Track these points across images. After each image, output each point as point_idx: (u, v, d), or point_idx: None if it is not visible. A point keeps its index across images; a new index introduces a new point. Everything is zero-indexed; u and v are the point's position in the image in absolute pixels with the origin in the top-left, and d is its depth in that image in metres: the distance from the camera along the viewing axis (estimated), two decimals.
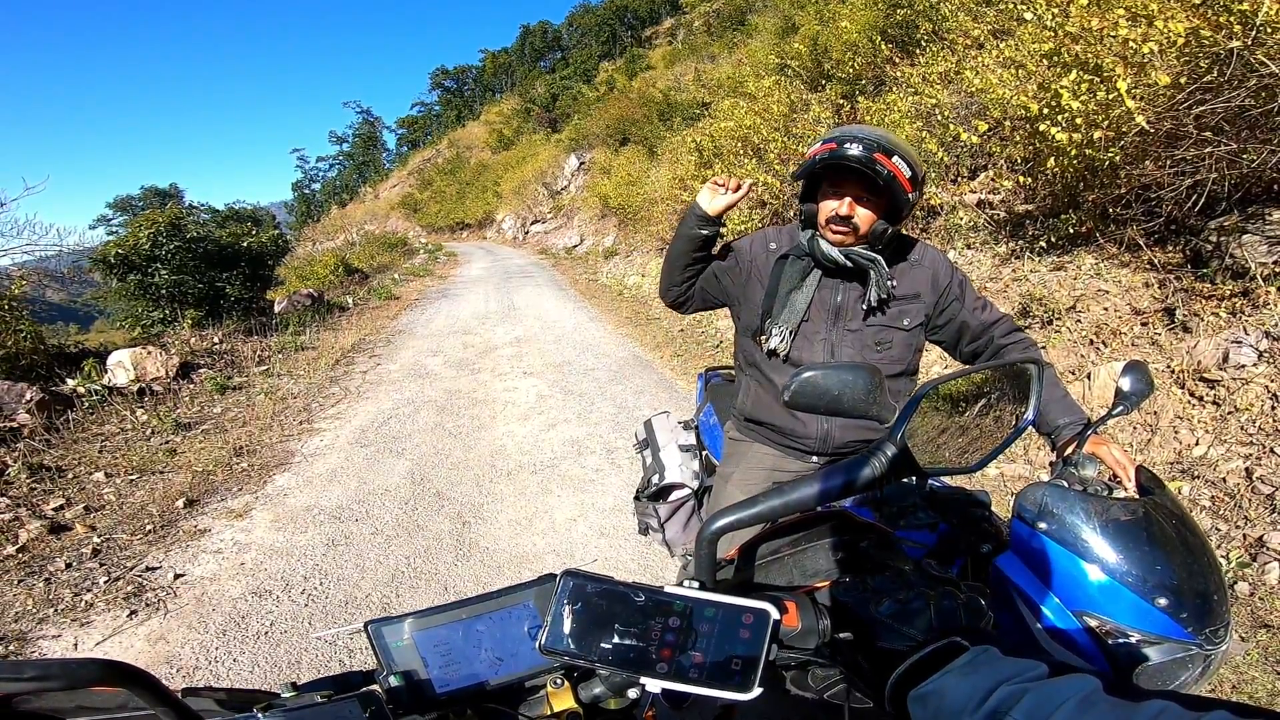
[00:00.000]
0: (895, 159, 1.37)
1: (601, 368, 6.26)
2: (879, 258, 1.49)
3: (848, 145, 1.37)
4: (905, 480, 1.06)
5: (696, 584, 0.65)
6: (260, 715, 0.55)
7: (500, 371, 6.32)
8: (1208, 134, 3.44)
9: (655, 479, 2.09)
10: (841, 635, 0.68)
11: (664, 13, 48.59)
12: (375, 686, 0.66)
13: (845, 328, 1.55)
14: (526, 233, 25.29)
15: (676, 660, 0.57)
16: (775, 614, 0.59)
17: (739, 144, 8.93)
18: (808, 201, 1.53)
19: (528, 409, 5.13)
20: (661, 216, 11.76)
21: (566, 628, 0.58)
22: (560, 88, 38.66)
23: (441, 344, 7.78)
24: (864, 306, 1.52)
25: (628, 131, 19.59)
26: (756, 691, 0.56)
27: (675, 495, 2.07)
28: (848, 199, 1.43)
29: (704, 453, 2.10)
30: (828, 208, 1.46)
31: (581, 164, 24.24)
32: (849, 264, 1.49)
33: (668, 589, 0.60)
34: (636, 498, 2.14)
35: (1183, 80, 3.41)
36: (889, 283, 1.50)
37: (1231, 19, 3.03)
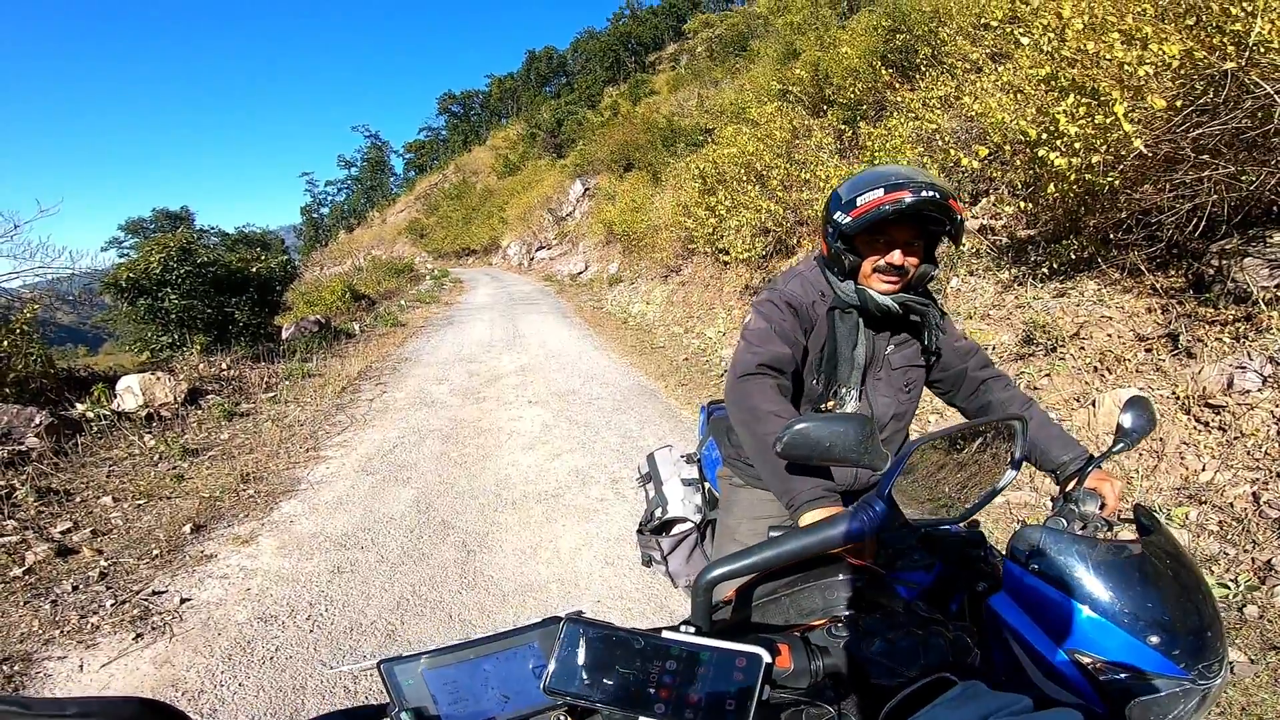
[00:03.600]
0: (957, 202, 1.34)
1: (606, 396, 6.28)
2: (930, 303, 1.46)
3: (922, 192, 1.29)
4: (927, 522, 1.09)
5: (693, 629, 0.69)
6: None
7: (505, 400, 6.34)
8: (1206, 156, 3.46)
9: (658, 513, 2.09)
10: (833, 674, 0.70)
11: (667, 38, 49.57)
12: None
13: (874, 376, 1.53)
14: (532, 259, 25.49)
15: (674, 701, 0.60)
16: (767, 657, 0.62)
17: (742, 170, 9.02)
18: (849, 251, 1.42)
19: (533, 438, 5.14)
20: (665, 243, 11.85)
21: (570, 670, 0.62)
22: (565, 113, 39.23)
23: (447, 372, 7.82)
24: (921, 352, 1.51)
25: (632, 157, 19.83)
26: None
27: (678, 529, 2.07)
28: (898, 248, 1.37)
29: (706, 486, 2.10)
30: (875, 257, 1.39)
31: (586, 189, 24.48)
32: (900, 312, 1.44)
33: (665, 634, 0.64)
34: (640, 531, 2.14)
35: (1179, 103, 3.44)
36: (940, 322, 1.48)
37: (1225, 40, 3.06)
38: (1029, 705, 0.54)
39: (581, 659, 0.62)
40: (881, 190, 1.32)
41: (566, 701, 0.64)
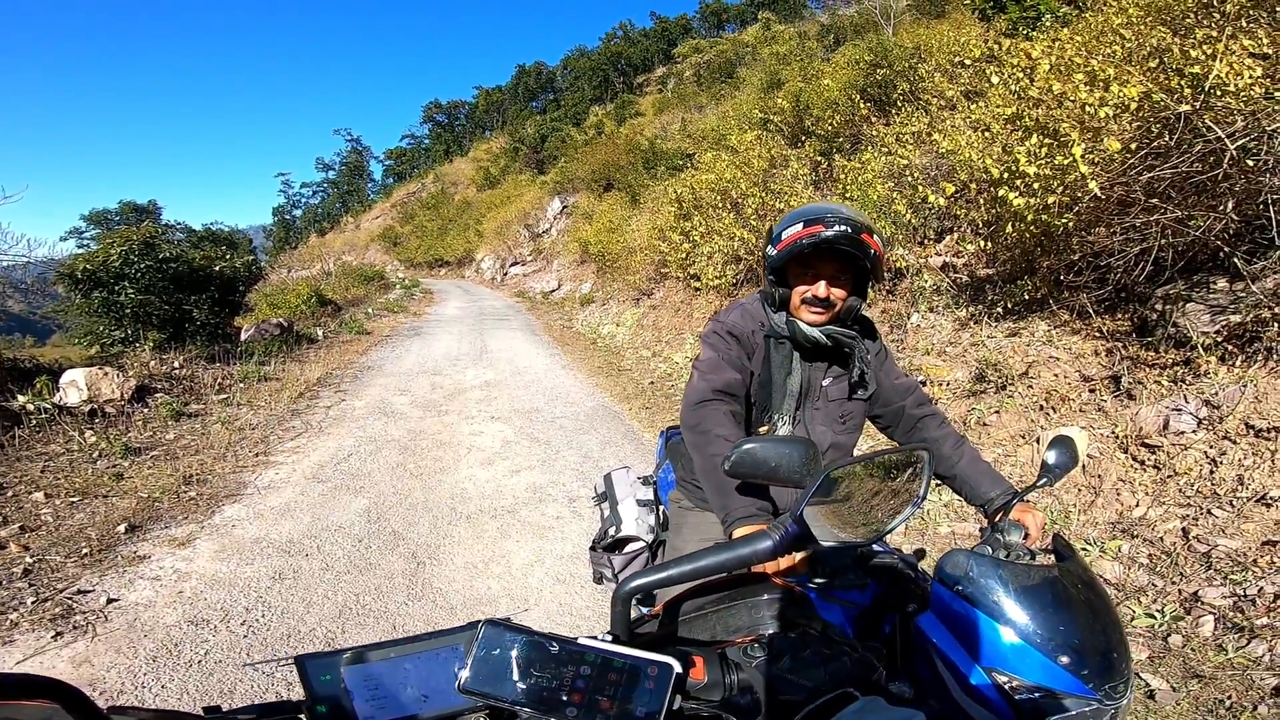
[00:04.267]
0: (875, 237, 1.39)
1: (569, 416, 6.25)
2: (857, 335, 1.51)
3: (834, 226, 1.35)
4: (840, 544, 1.13)
5: (610, 637, 0.71)
6: None
7: (468, 414, 6.27)
8: (1156, 200, 3.60)
9: (612, 531, 2.10)
10: (746, 690, 0.71)
11: (657, 61, 50.34)
12: (301, 717, 0.69)
13: (812, 406, 1.58)
14: (505, 274, 25.40)
15: (586, 706, 0.62)
16: (678, 668, 0.65)
17: (718, 197, 9.14)
18: (780, 283, 1.50)
19: (492, 454, 5.09)
20: (639, 266, 11.89)
21: (485, 671, 0.63)
22: (550, 129, 39.44)
23: (410, 383, 7.72)
24: (849, 384, 1.55)
25: (613, 177, 19.96)
26: None
27: (630, 548, 2.08)
28: (823, 280, 1.43)
29: (660, 508, 2.12)
30: (803, 288, 1.46)
31: (564, 207, 24.55)
32: (829, 344, 1.49)
33: (581, 640, 0.66)
34: (593, 548, 2.15)
35: (1134, 145, 3.57)
36: (867, 357, 1.53)
37: (1183, 82, 3.19)
38: None
39: (497, 661, 0.64)
40: (801, 225, 1.40)
41: (481, 702, 0.65)
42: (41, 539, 3.54)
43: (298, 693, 0.73)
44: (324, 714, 0.69)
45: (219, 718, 0.63)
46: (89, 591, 3.03)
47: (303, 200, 74.94)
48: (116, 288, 8.59)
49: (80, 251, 9.51)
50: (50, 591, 3.01)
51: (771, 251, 1.47)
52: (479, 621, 0.68)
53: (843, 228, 1.35)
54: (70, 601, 2.94)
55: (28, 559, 3.28)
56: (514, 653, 0.64)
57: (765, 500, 1.31)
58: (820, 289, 1.43)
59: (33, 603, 2.90)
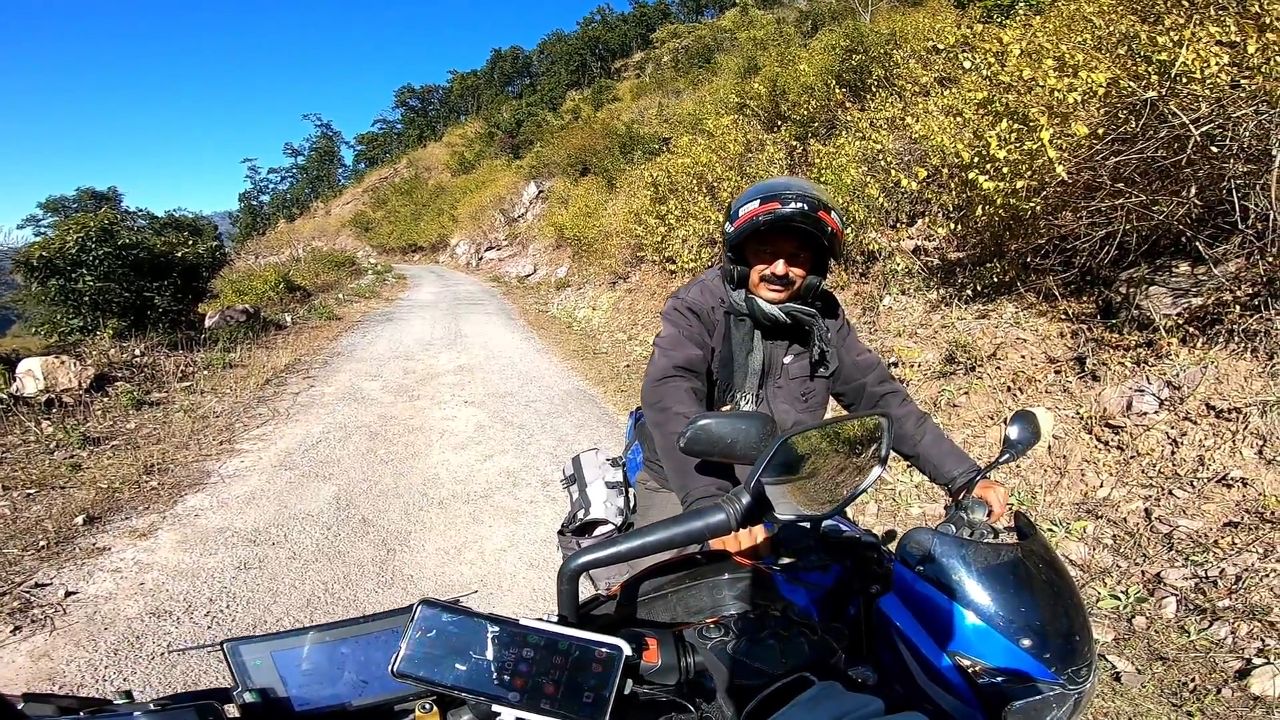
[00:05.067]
0: (833, 214, 1.35)
1: (544, 400, 6.21)
2: (816, 313, 1.49)
3: (790, 204, 1.32)
4: (800, 523, 1.10)
5: (558, 618, 0.68)
6: (79, 718, 0.56)
7: (440, 399, 6.19)
8: (1121, 185, 3.64)
9: (580, 514, 2.08)
10: (702, 673, 0.69)
11: (634, 46, 49.87)
12: (230, 703, 0.67)
13: (774, 384, 1.56)
14: (480, 258, 25.11)
15: (529, 690, 0.59)
16: (627, 650, 0.61)
17: (694, 181, 9.12)
18: (739, 261, 1.47)
19: (465, 438, 5.03)
20: (615, 250, 11.84)
21: (421, 653, 0.60)
22: (526, 114, 38.94)
23: (382, 368, 7.59)
24: (809, 363, 1.53)
25: (589, 162, 19.79)
26: None
27: (599, 531, 2.06)
28: (781, 258, 1.41)
29: (630, 490, 2.10)
30: (762, 266, 1.44)
31: (540, 192, 24.30)
32: (788, 321, 1.48)
33: (524, 621, 0.63)
34: (561, 532, 2.13)
35: (1101, 131, 3.61)
36: (828, 335, 1.51)
37: (1150, 69, 3.22)
38: (880, 708, 0.54)
39: (434, 643, 0.60)
40: (757, 202, 1.37)
41: (416, 687, 0.62)
42: None
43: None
44: (254, 701, 0.67)
45: (134, 705, 0.60)
46: (46, 585, 2.96)
47: (270, 186, 73.45)
48: (74, 275, 8.39)
49: (37, 239, 9.22)
50: (7, 585, 2.93)
51: (729, 228, 1.44)
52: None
53: (800, 205, 1.32)
54: (28, 595, 2.87)
55: None
56: (452, 634, 0.61)
57: (728, 480, 1.27)
58: (779, 267, 1.41)
59: None
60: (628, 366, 7.62)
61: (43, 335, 9.04)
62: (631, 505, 2.07)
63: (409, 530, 3.50)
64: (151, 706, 0.58)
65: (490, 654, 0.60)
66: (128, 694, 0.62)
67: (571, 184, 19.92)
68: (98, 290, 8.40)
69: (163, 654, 2.48)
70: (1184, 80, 3.14)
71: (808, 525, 1.07)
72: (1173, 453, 3.05)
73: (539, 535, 3.45)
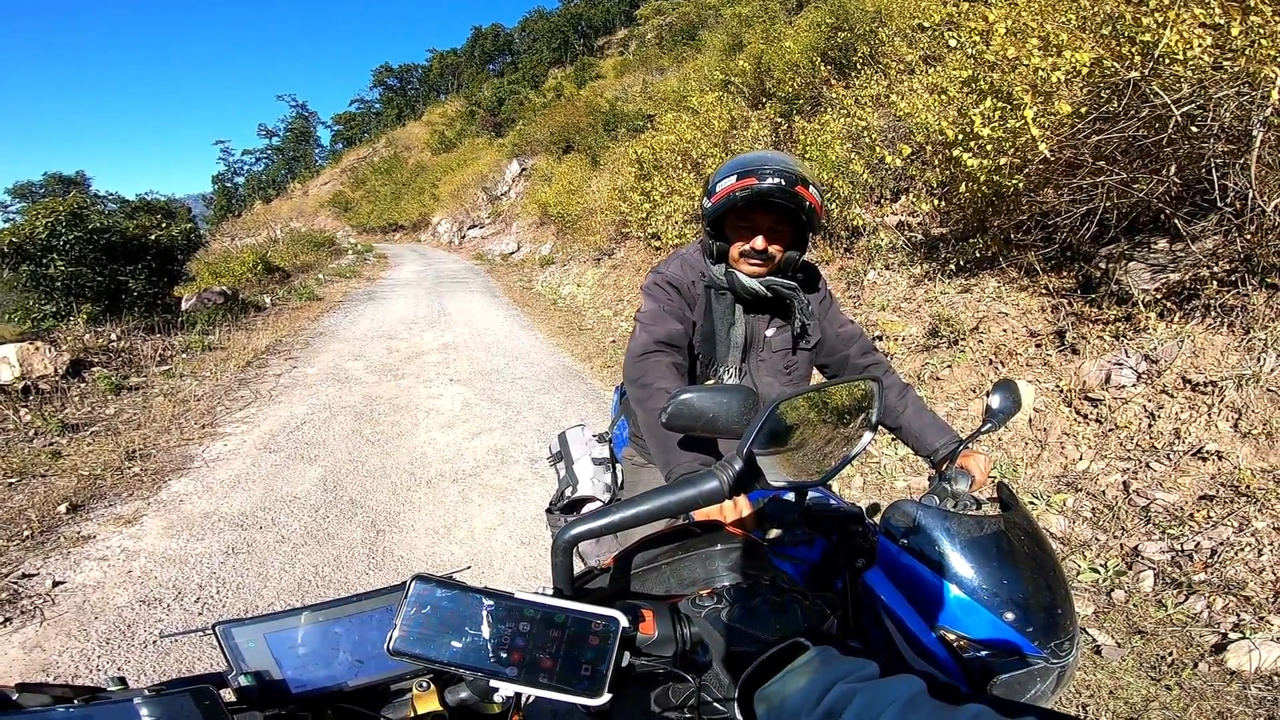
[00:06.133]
0: (811, 189, 1.34)
1: (530, 376, 6.19)
2: (798, 286, 1.48)
3: (768, 179, 1.31)
4: (784, 498, 1.10)
5: (553, 591, 0.67)
6: (75, 707, 0.55)
7: (426, 378, 6.15)
8: (1103, 163, 3.67)
9: (568, 491, 2.08)
10: (699, 644, 0.69)
11: (618, 23, 48.99)
12: (225, 687, 0.65)
13: (757, 358, 1.56)
14: (463, 237, 24.82)
15: (526, 664, 0.58)
16: (624, 621, 0.61)
17: (679, 158, 9.06)
18: (718, 236, 1.47)
19: (452, 417, 5.01)
20: (600, 227, 11.78)
21: (416, 630, 0.59)
22: (507, 92, 38.30)
23: (365, 348, 7.51)
24: (791, 335, 1.53)
25: (572, 139, 19.57)
26: (606, 697, 0.57)
27: (587, 508, 2.06)
28: (760, 234, 1.40)
29: (617, 466, 2.10)
30: (740, 242, 1.43)
31: (523, 170, 24.01)
32: (769, 295, 1.47)
33: (518, 595, 0.61)
34: (549, 510, 2.13)
35: (1084, 109, 3.64)
36: (809, 308, 1.51)
37: (1134, 50, 3.23)
38: (875, 671, 0.54)
39: (429, 620, 0.59)
40: (734, 177, 1.35)
41: (412, 664, 0.61)
42: None
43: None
44: (249, 685, 0.66)
45: (129, 691, 0.59)
46: (33, 575, 2.92)
47: (245, 167, 71.88)
48: (44, 260, 8.27)
49: (5, 226, 9.03)
50: None
51: (707, 204, 1.43)
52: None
53: (777, 180, 1.31)
54: (15, 586, 2.83)
55: None
56: (446, 610, 0.60)
57: (712, 456, 1.28)
58: (758, 243, 1.40)
59: None
60: (613, 342, 7.61)
61: (15, 322, 8.87)
62: (619, 481, 2.08)
63: (398, 510, 3.50)
64: (146, 692, 0.57)
65: (486, 629, 0.59)
66: (121, 680, 0.61)
67: (555, 161, 19.71)
68: (70, 275, 8.27)
69: (155, 641, 2.46)
70: (1167, 61, 3.15)
71: (792, 499, 1.07)
72: (1150, 425, 3.11)
73: (528, 513, 3.45)
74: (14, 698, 0.56)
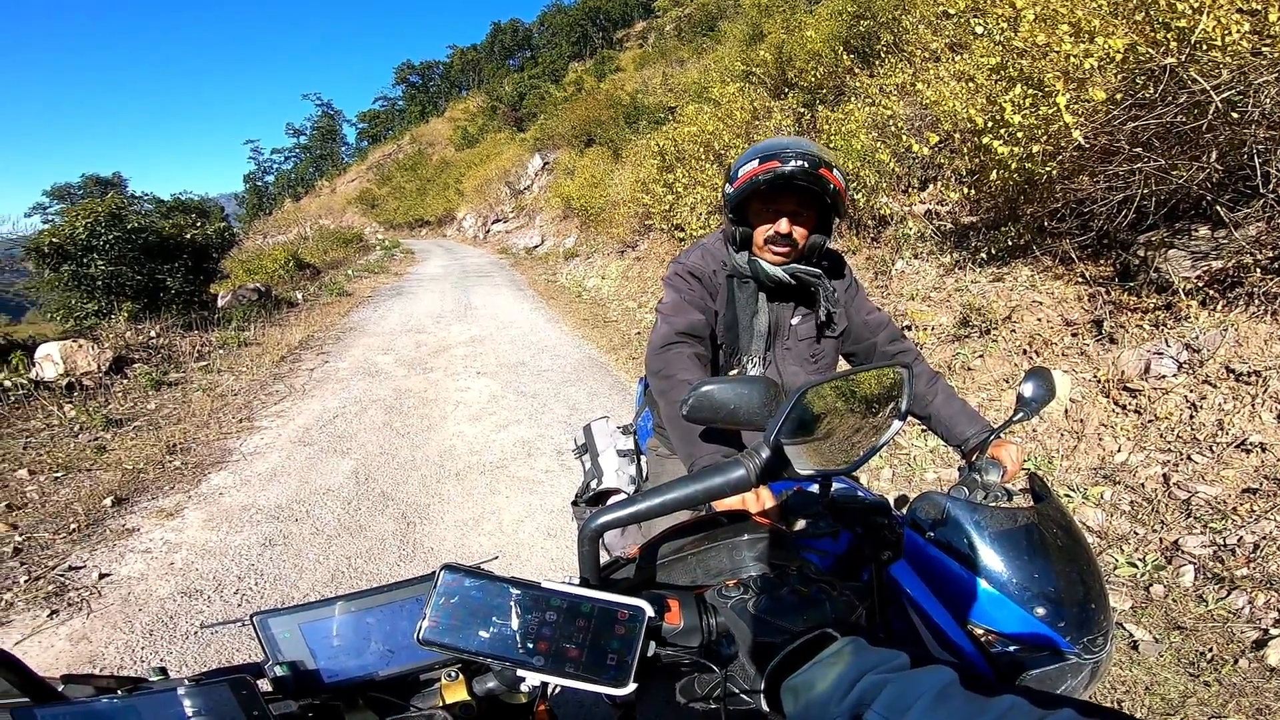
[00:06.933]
0: (834, 172, 1.33)
1: (556, 369, 6.22)
2: (822, 273, 1.46)
3: (790, 162, 1.29)
4: (808, 489, 1.09)
5: (579, 581, 0.67)
6: (119, 697, 0.56)
7: (453, 371, 6.22)
8: (1140, 150, 3.58)
9: (594, 484, 2.09)
10: (726, 634, 0.69)
11: (636, 15, 48.74)
12: (262, 677, 0.67)
13: (782, 346, 1.54)
14: (488, 231, 25.00)
15: (552, 654, 0.58)
16: (650, 611, 0.61)
17: (701, 149, 9.01)
18: (740, 222, 1.44)
19: (479, 409, 5.07)
20: (623, 219, 11.78)
21: (445, 620, 0.59)
22: (528, 86, 38.46)
23: (394, 342, 7.62)
24: (816, 323, 1.51)
25: (593, 133, 19.57)
26: (632, 686, 0.57)
27: (612, 500, 2.07)
28: (784, 217, 1.38)
29: (641, 458, 2.10)
30: (765, 227, 1.41)
31: (546, 164, 24.09)
32: (793, 282, 1.45)
33: (545, 584, 0.62)
34: (575, 503, 2.14)
35: (1119, 96, 3.54)
36: (835, 295, 1.49)
37: (1169, 35, 3.14)
38: (906, 661, 0.54)
39: (457, 609, 0.60)
40: (757, 161, 1.34)
41: (442, 654, 0.62)
42: (29, 516, 3.48)
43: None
44: (285, 675, 0.67)
45: (170, 681, 0.60)
46: (80, 567, 2.99)
47: (274, 166, 73.31)
48: (85, 260, 8.52)
49: (46, 227, 9.33)
50: (42, 569, 2.96)
51: (729, 189, 1.41)
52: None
53: (800, 163, 1.29)
54: (63, 578, 2.89)
55: (17, 537, 3.22)
56: (475, 599, 0.60)
57: (734, 448, 1.27)
58: (782, 226, 1.38)
59: (26, 581, 2.86)
60: (638, 334, 7.61)
61: (58, 320, 9.19)
62: (644, 473, 2.08)
63: (427, 503, 3.55)
64: (187, 682, 0.59)
65: (514, 618, 0.59)
66: (162, 670, 0.63)
67: (577, 155, 19.73)
68: (110, 274, 8.52)
69: (195, 633, 2.51)
70: (1204, 47, 3.06)
71: (816, 490, 1.06)
72: (1191, 417, 3.03)
73: (555, 504, 3.48)
74: (60, 689, 0.58)
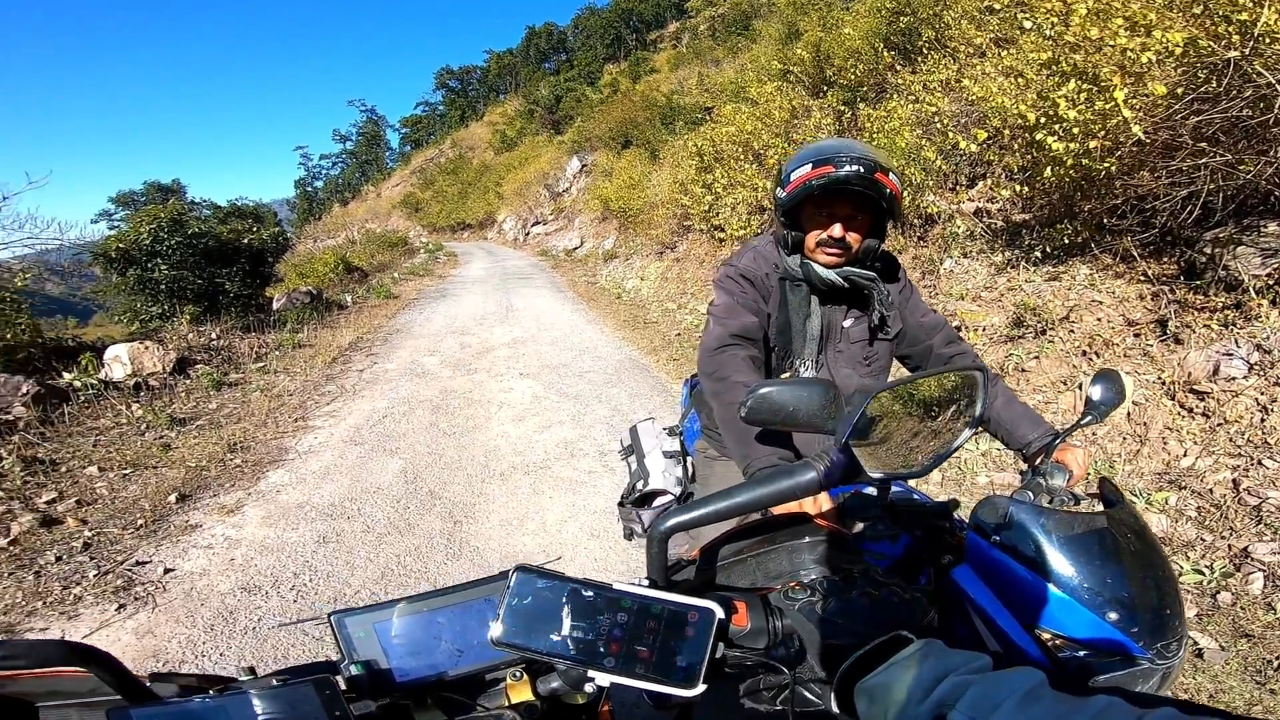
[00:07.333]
0: (890, 176, 1.31)
1: (597, 370, 6.27)
2: (876, 276, 1.45)
3: (845, 166, 1.28)
4: (866, 491, 1.08)
5: (648, 582, 0.67)
6: (211, 697, 0.57)
7: (496, 372, 6.32)
8: (1204, 145, 3.43)
9: (640, 485, 2.09)
10: (791, 635, 0.69)
11: (669, 16, 48.62)
12: (338, 675, 0.68)
13: (834, 349, 1.53)
14: (527, 234, 25.30)
15: (624, 655, 0.58)
16: (720, 613, 0.61)
17: (739, 149, 8.95)
18: (793, 226, 1.44)
19: (523, 410, 5.14)
20: (661, 220, 11.77)
21: (518, 621, 0.60)
22: (564, 89, 38.76)
23: (439, 344, 7.79)
24: (869, 326, 1.50)
25: (630, 134, 19.60)
26: (701, 688, 0.58)
27: (659, 501, 2.07)
28: (838, 222, 1.37)
29: (687, 459, 2.10)
30: (818, 232, 1.40)
31: (583, 166, 24.25)
32: (846, 286, 1.44)
33: (617, 586, 0.62)
34: (621, 504, 2.15)
35: (1180, 90, 3.41)
36: (888, 298, 1.47)
37: (1230, 29, 3.01)
38: (988, 663, 0.53)
39: (530, 610, 0.60)
40: (809, 165, 1.32)
41: (515, 654, 0.62)
42: (98, 512, 3.64)
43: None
44: (360, 674, 0.68)
45: (255, 681, 0.62)
46: (146, 562, 3.09)
47: (323, 172, 75.49)
48: (150, 265, 8.85)
49: (112, 232, 9.78)
50: (110, 564, 3.07)
51: (780, 194, 1.40)
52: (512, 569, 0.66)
53: (855, 168, 1.27)
54: (130, 573, 2.99)
55: (86, 533, 3.36)
56: (547, 601, 0.61)
57: (788, 450, 1.26)
58: (835, 230, 1.37)
59: (94, 576, 2.97)
60: (679, 335, 7.61)
61: (124, 323, 9.56)
62: (690, 474, 2.08)
63: (473, 502, 3.61)
64: (274, 683, 0.60)
65: (585, 619, 0.60)
66: (251, 670, 0.64)
67: (614, 157, 19.78)
68: (172, 278, 8.86)
69: (253, 629, 2.57)
70: (1267, 40, 2.92)
71: (874, 493, 1.05)
72: (1263, 420, 2.88)
73: (598, 505, 3.50)
74: (147, 685, 0.60)
